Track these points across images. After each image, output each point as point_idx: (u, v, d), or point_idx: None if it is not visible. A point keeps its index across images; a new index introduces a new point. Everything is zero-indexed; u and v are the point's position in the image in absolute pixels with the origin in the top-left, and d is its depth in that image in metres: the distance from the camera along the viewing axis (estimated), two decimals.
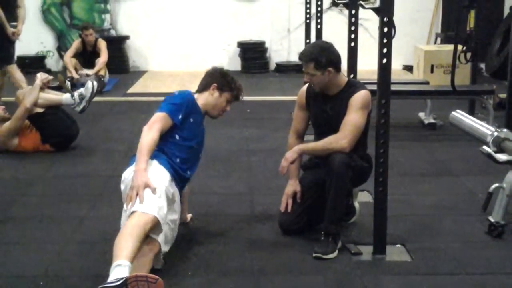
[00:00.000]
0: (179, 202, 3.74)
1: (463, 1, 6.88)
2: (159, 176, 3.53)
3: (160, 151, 3.68)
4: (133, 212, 3.27)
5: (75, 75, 8.82)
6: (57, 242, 3.91)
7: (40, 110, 5.84)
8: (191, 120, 3.78)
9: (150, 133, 3.57)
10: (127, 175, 3.59)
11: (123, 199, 3.53)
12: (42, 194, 4.84)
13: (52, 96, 6.02)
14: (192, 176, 3.90)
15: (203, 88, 3.94)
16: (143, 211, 3.25)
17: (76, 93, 5.95)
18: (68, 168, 5.50)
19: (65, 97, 5.99)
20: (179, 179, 3.72)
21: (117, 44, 10.56)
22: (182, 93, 3.86)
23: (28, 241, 3.96)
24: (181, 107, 3.74)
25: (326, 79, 3.82)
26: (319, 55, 3.78)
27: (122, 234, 3.15)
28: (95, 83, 6.07)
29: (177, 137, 3.73)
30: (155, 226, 3.31)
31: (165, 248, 3.49)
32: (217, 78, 3.94)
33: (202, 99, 3.89)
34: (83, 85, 6.18)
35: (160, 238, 3.40)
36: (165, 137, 3.69)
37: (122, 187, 3.61)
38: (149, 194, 3.35)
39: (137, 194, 3.33)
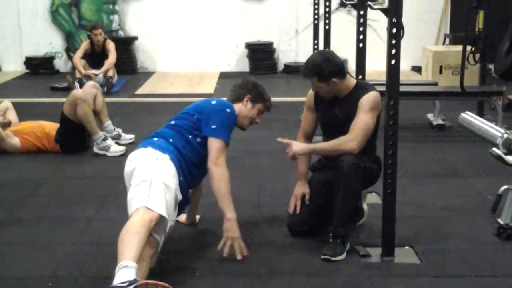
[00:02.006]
0: (177, 209, 3.65)
1: (472, 2, 6.85)
2: (171, 174, 3.48)
3: (175, 148, 3.62)
4: (139, 207, 3.21)
5: (84, 72, 8.84)
6: (65, 243, 3.91)
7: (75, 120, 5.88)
8: None
9: (221, 173, 3.60)
10: (136, 156, 3.56)
11: (126, 180, 3.52)
12: (50, 195, 4.85)
13: None
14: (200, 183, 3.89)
15: (236, 99, 3.92)
16: (150, 207, 3.21)
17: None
18: (75, 169, 5.52)
19: None
20: (185, 182, 3.64)
21: (126, 45, 10.60)
22: (233, 112, 3.78)
23: (36, 242, 3.97)
24: (232, 130, 3.77)
25: (333, 89, 3.83)
26: (320, 68, 3.78)
27: (127, 231, 3.11)
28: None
29: (198, 139, 3.69)
30: (159, 224, 3.26)
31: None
32: (250, 90, 3.93)
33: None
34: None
35: (162, 239, 3.36)
36: (184, 135, 3.67)
37: (129, 168, 3.54)
38: (160, 191, 3.31)
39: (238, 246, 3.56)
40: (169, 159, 3.54)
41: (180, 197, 3.55)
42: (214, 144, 3.64)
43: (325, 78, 3.78)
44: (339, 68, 3.81)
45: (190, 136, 3.69)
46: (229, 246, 3.57)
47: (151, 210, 3.21)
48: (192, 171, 3.69)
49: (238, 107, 3.88)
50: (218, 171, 3.60)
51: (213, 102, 3.81)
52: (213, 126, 3.67)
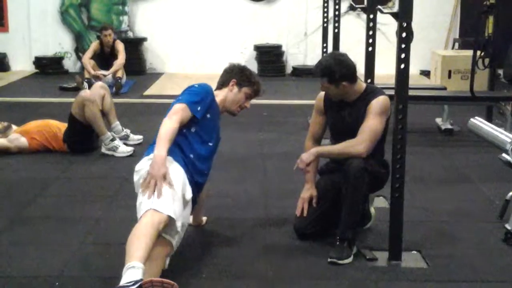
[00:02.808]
0: (190, 208, 3.66)
1: (482, 7, 6.84)
2: (176, 173, 3.47)
3: (176, 146, 3.59)
4: (147, 210, 3.22)
5: (93, 73, 8.86)
6: (72, 243, 3.92)
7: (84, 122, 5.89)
8: (208, 116, 3.72)
9: (169, 123, 3.50)
10: (142, 165, 3.54)
11: (136, 189, 3.51)
12: (58, 195, 4.86)
13: None
14: (206, 182, 3.86)
15: (222, 84, 3.90)
16: (157, 209, 3.22)
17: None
18: (83, 169, 5.53)
19: None
20: (192, 179, 3.61)
21: (135, 46, 10.62)
22: (203, 86, 3.76)
23: (44, 241, 3.98)
24: (202, 100, 3.66)
25: (341, 92, 3.82)
26: (332, 70, 3.76)
27: (135, 234, 3.13)
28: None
29: (193, 130, 3.65)
30: (169, 226, 3.28)
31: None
32: (236, 74, 3.90)
33: (221, 96, 3.84)
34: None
35: (175, 239, 3.39)
36: (181, 130, 3.61)
37: (136, 178, 3.55)
38: (166, 191, 3.30)
39: (155, 186, 3.29)
40: (173, 160, 3.53)
41: (189, 196, 3.53)
42: (174, 106, 3.61)
43: (335, 81, 3.77)
44: (350, 72, 3.80)
45: (184, 130, 3.65)
46: (148, 182, 3.34)
47: (159, 212, 3.21)
48: (197, 165, 3.65)
49: (224, 92, 3.86)
50: (166, 120, 3.52)
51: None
52: (180, 97, 3.68)
